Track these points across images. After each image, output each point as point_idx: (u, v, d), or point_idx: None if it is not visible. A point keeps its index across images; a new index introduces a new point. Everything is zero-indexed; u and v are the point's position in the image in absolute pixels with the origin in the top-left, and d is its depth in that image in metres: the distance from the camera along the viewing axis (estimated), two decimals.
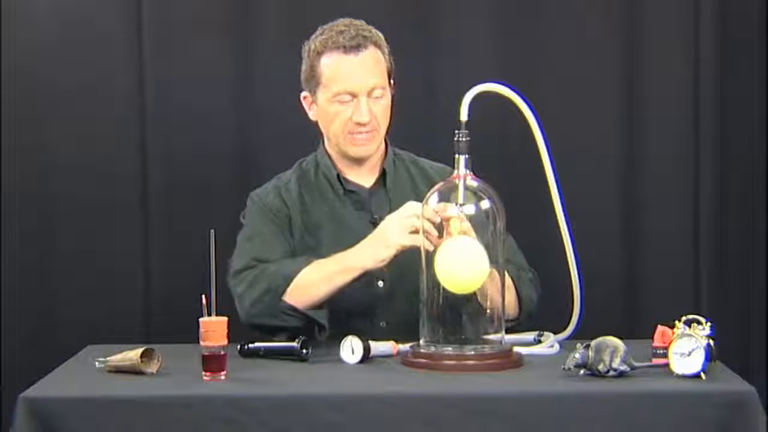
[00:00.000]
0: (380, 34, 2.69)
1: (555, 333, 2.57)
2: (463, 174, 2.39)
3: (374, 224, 2.68)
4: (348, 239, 2.65)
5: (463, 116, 2.39)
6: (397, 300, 2.67)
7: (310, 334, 2.56)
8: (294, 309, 2.57)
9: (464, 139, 2.39)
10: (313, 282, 2.57)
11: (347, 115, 2.66)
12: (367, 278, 2.60)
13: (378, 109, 2.66)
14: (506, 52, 3.33)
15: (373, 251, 2.52)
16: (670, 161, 3.34)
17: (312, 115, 2.74)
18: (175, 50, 3.32)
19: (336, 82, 2.65)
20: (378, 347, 2.44)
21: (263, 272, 2.61)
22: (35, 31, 3.31)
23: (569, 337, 2.55)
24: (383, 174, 2.76)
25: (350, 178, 2.75)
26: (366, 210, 2.74)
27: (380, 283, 2.68)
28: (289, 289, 2.57)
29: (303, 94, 2.74)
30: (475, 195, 2.39)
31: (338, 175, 2.74)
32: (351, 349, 2.41)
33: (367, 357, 2.40)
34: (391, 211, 2.66)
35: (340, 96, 2.65)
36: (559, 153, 2.53)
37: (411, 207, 2.49)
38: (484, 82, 2.45)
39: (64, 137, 3.32)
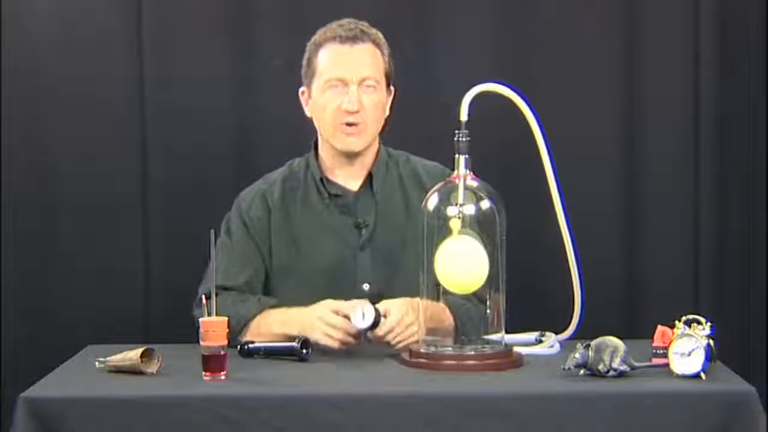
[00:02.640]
0: (381, 36, 2.71)
1: (555, 333, 2.58)
2: (463, 174, 2.39)
3: (358, 228, 2.68)
4: (329, 243, 2.68)
5: (463, 116, 2.39)
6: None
7: None
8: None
9: (464, 139, 2.39)
10: (260, 335, 2.57)
11: (337, 103, 2.66)
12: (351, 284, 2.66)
13: (368, 101, 2.66)
14: (505, 51, 3.32)
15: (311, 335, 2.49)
16: (670, 161, 3.34)
17: (307, 110, 2.75)
18: (175, 50, 3.32)
19: (329, 69, 2.66)
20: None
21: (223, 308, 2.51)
22: (35, 31, 3.30)
23: (569, 337, 2.55)
24: (371, 177, 2.75)
25: (338, 180, 2.74)
26: (350, 214, 2.73)
27: (365, 287, 2.67)
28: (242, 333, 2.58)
29: (301, 89, 2.75)
30: (475, 195, 2.39)
31: (322, 179, 2.74)
32: (362, 313, 2.40)
33: (377, 323, 2.40)
34: (377, 215, 2.66)
35: (332, 82, 2.66)
36: (559, 153, 2.53)
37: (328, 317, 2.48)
38: (484, 81, 2.45)
39: (64, 137, 3.31)
